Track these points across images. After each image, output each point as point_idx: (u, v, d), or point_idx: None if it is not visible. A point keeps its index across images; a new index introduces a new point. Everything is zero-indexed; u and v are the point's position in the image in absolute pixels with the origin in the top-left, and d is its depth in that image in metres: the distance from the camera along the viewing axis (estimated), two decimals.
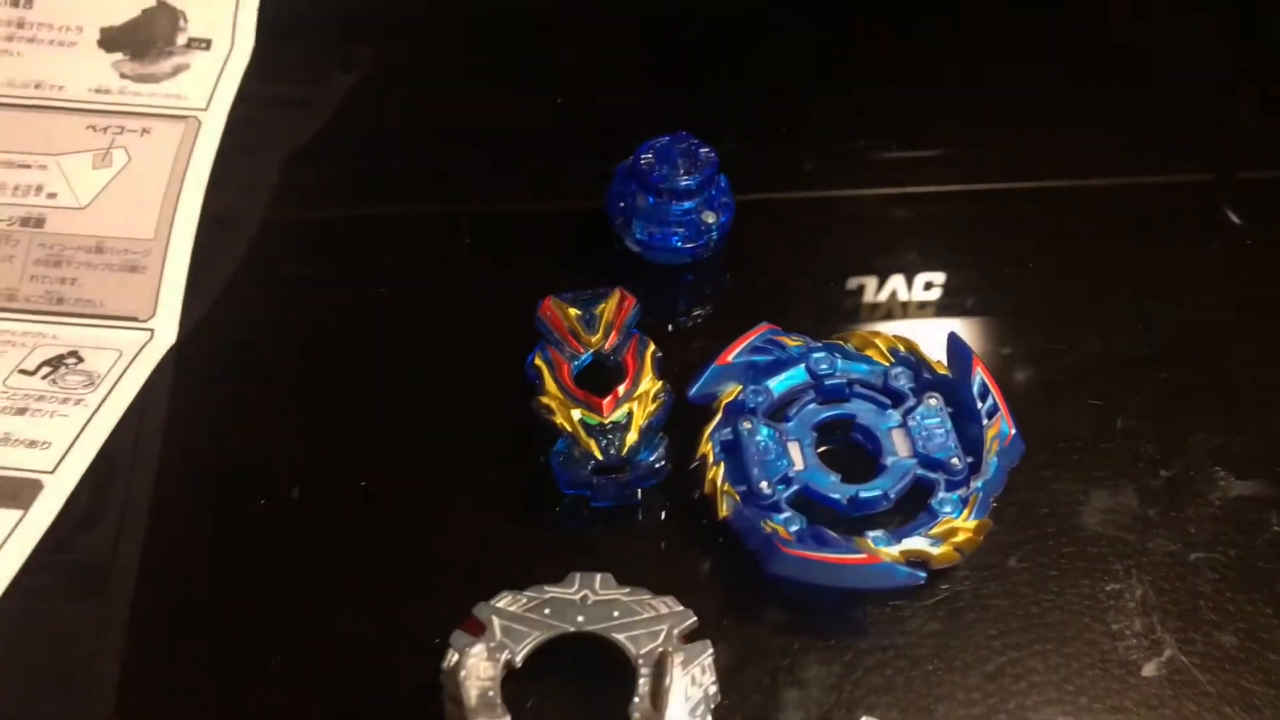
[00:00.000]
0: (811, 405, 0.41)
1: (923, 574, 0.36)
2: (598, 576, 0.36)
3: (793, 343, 0.41)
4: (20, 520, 0.38)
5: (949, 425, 0.39)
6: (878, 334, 0.42)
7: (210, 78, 0.50)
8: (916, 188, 0.50)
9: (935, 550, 0.37)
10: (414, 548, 0.40)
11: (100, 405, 0.42)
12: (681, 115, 0.46)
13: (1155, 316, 0.45)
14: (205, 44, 0.51)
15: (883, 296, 0.46)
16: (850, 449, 0.41)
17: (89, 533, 0.40)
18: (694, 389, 0.41)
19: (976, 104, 0.53)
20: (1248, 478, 0.40)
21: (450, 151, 0.51)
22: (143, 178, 0.47)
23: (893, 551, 0.36)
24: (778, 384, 0.41)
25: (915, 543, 0.37)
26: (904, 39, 0.56)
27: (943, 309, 0.46)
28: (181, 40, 0.51)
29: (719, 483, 0.39)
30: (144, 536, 0.39)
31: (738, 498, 0.38)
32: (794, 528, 0.37)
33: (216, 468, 0.41)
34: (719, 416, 0.40)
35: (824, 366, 0.41)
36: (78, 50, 0.50)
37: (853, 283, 0.47)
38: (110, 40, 0.51)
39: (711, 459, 0.39)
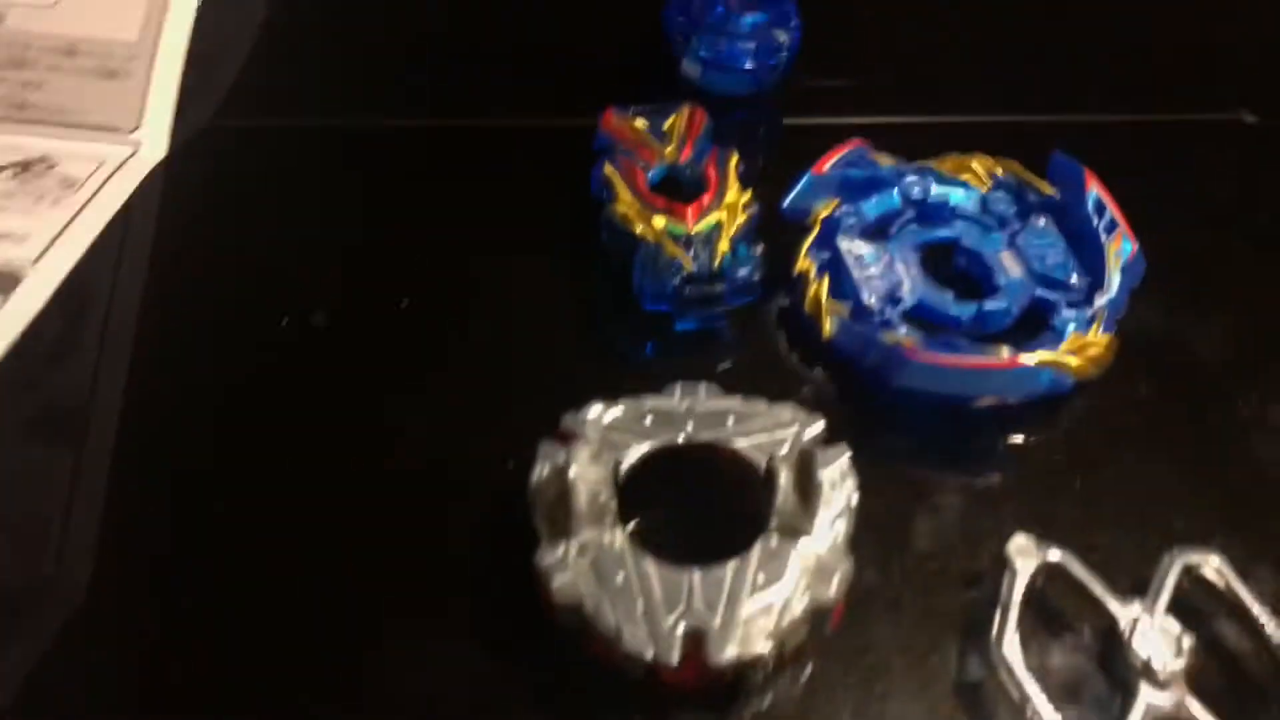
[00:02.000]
0: (912, 226, 0.37)
1: (1069, 378, 0.32)
2: (701, 385, 0.31)
3: (885, 162, 0.37)
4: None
5: (1063, 244, 0.36)
6: (973, 156, 0.38)
7: None
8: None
9: (1073, 361, 0.33)
10: (468, 370, 0.34)
11: (82, 209, 0.35)
12: None
13: None
14: None
15: (963, 130, 0.43)
16: (954, 276, 0.37)
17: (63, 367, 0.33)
18: (788, 199, 0.36)
19: None
20: None
21: None
22: None
23: (1032, 358, 0.33)
24: (870, 207, 0.37)
25: (1049, 354, 0.33)
26: None
27: (1030, 136, 0.42)
28: None
29: (823, 299, 0.34)
30: (132, 358, 0.33)
31: (846, 313, 0.34)
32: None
33: (218, 291, 0.35)
34: (816, 231, 0.36)
35: (916, 191, 0.37)
36: None
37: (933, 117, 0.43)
38: None
39: (813, 274, 0.35)
